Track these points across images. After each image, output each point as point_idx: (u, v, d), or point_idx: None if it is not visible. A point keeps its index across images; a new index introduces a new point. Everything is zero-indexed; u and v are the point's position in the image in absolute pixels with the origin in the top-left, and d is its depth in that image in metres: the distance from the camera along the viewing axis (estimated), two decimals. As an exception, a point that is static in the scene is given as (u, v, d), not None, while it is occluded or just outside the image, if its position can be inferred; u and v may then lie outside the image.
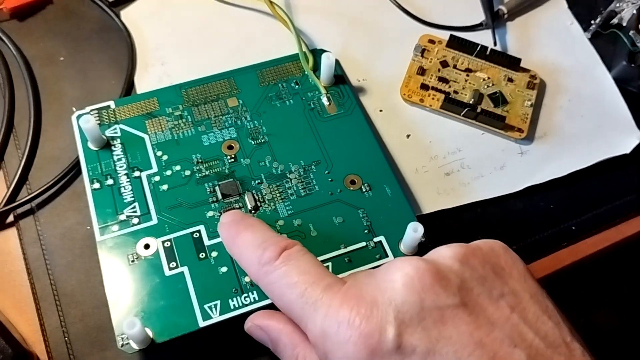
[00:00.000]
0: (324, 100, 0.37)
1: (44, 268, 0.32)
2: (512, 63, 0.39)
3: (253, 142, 0.35)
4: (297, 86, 0.37)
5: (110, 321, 0.28)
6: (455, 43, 0.39)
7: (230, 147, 0.34)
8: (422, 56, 0.39)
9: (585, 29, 0.42)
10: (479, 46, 0.38)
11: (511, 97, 0.38)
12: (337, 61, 0.39)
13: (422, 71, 0.38)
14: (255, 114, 0.36)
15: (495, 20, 0.41)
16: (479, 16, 0.42)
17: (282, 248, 0.26)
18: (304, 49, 0.38)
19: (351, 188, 0.33)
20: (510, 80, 0.38)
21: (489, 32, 0.41)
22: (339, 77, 0.38)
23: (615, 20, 0.41)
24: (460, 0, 0.43)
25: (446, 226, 0.35)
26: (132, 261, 0.30)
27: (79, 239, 0.33)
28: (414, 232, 0.29)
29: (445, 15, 0.42)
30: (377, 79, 0.39)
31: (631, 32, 0.40)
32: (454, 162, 0.37)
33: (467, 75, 0.38)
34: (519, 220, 0.35)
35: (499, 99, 0.37)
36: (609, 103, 0.39)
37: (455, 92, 0.38)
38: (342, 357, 0.22)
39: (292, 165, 0.34)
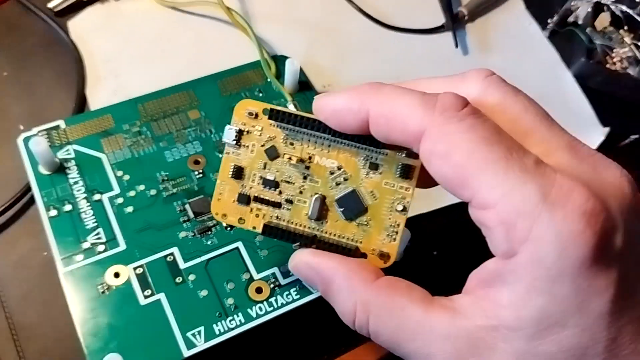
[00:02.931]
0: (291, 107, 0.35)
1: (-3, 302, 0.30)
2: (374, 139, 0.22)
3: (220, 155, 0.33)
4: (260, 94, 0.36)
5: (74, 355, 0.26)
6: (281, 119, 0.24)
7: (196, 162, 0.32)
8: (238, 144, 0.24)
9: (543, 28, 0.42)
10: (315, 122, 0.23)
11: (374, 199, 0.24)
12: (300, 68, 0.38)
13: (239, 173, 0.25)
14: (219, 126, 0.34)
15: (455, 22, 0.41)
16: (442, 19, 0.41)
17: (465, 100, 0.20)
18: (265, 55, 0.37)
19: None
20: (375, 167, 0.24)
21: (450, 34, 0.41)
22: (304, 84, 0.37)
23: (571, 19, 0.42)
24: (422, 3, 0.42)
25: (425, 230, 0.34)
26: (103, 292, 0.28)
27: (35, 267, 0.31)
28: (403, 237, 0.28)
29: (408, 19, 0.41)
30: (343, 84, 0.38)
31: (588, 29, 0.41)
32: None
33: (307, 169, 0.24)
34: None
35: (352, 207, 0.24)
36: (571, 101, 0.40)
37: (289, 201, 0.24)
38: (553, 246, 0.17)
39: (264, 178, 0.32)
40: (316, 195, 0.24)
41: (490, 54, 0.40)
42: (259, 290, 0.28)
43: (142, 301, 0.27)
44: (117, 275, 0.28)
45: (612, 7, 0.41)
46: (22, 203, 0.32)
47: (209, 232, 0.30)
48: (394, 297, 0.21)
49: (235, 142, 0.24)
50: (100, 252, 0.29)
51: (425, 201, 0.35)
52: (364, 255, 0.24)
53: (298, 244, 0.24)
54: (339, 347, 0.30)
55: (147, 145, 0.33)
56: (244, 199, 0.25)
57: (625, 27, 0.41)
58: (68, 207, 0.30)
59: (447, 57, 0.40)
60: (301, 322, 0.29)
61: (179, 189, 0.31)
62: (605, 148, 0.37)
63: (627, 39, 0.41)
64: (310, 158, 0.24)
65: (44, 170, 0.31)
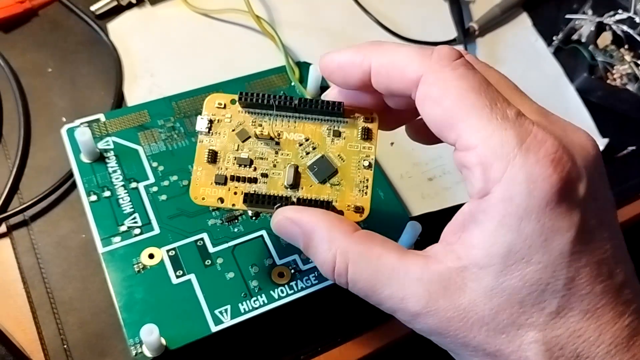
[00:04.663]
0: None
1: (39, 277, 0.32)
2: (333, 109, 0.26)
3: (247, 152, 0.36)
4: (285, 97, 0.39)
5: (109, 327, 0.29)
6: (251, 101, 0.26)
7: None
8: (209, 133, 0.27)
9: (548, 45, 0.45)
10: (280, 99, 0.26)
11: (342, 161, 0.26)
12: (321, 74, 0.41)
13: (213, 157, 0.26)
14: (247, 125, 0.37)
15: (466, 36, 0.44)
16: (454, 32, 0.44)
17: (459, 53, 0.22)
18: (290, 61, 0.40)
19: (344, 195, 0.35)
20: (338, 134, 0.26)
21: (461, 48, 0.43)
22: (325, 88, 0.39)
23: (575, 36, 0.45)
24: (436, 17, 0.45)
25: (433, 227, 0.37)
26: (138, 271, 0.30)
27: (74, 247, 0.33)
28: (413, 230, 0.31)
29: (422, 32, 0.44)
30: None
31: (590, 47, 0.43)
32: (435, 168, 0.39)
33: (277, 144, 0.26)
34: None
35: (323, 169, 0.26)
36: (573, 113, 0.42)
37: (264, 175, 0.26)
38: (523, 186, 0.19)
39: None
40: (289, 164, 0.26)
41: (499, 67, 0.42)
42: (281, 275, 0.31)
43: (174, 280, 0.30)
44: (151, 256, 0.31)
45: (614, 26, 0.44)
46: (64, 188, 0.35)
47: (236, 221, 0.33)
48: (372, 247, 0.22)
49: (207, 130, 0.26)
50: (136, 235, 0.31)
51: (435, 200, 0.37)
52: (340, 212, 0.26)
53: (278, 204, 0.25)
54: (352, 332, 0.33)
55: (180, 139, 0.35)
56: (222, 179, 0.26)
57: (626, 46, 0.44)
58: (107, 194, 0.33)
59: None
60: (317, 307, 0.32)
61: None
62: (604, 158, 0.40)
63: (627, 57, 0.44)
64: (279, 135, 0.26)
65: (85, 159, 0.34)
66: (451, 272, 0.21)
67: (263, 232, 0.32)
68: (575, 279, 0.20)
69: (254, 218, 0.33)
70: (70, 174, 0.35)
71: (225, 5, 0.42)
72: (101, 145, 0.35)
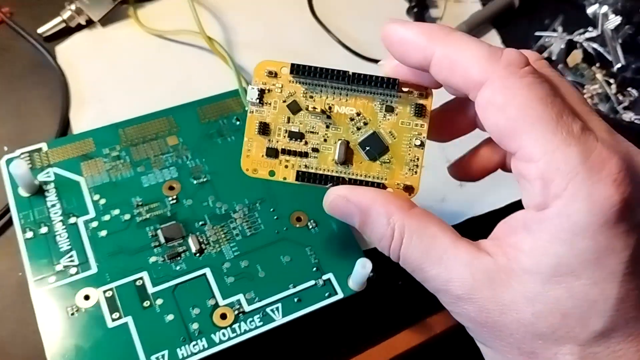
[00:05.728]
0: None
1: (-29, 320, 0.31)
2: (388, 84, 0.25)
3: (195, 182, 0.34)
4: (238, 122, 0.37)
5: None
6: (302, 72, 0.26)
7: (171, 188, 0.34)
8: (261, 103, 0.26)
9: (517, 63, 0.43)
10: (334, 71, 0.25)
11: (393, 138, 0.26)
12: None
13: (264, 129, 0.26)
14: (196, 152, 0.35)
15: (432, 54, 0.42)
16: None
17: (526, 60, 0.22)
18: (244, 84, 0.38)
19: (297, 225, 0.33)
20: (390, 109, 0.26)
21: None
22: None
23: (545, 54, 0.43)
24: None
25: (387, 259, 0.35)
26: (72, 314, 0.29)
27: (10, 286, 0.32)
28: (363, 268, 0.29)
29: (386, 51, 0.42)
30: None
31: (560, 66, 0.42)
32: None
33: (328, 118, 0.26)
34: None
35: (374, 147, 0.26)
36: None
37: (315, 149, 0.26)
38: (583, 204, 0.19)
39: (236, 205, 0.33)
40: (340, 140, 0.26)
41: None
42: (223, 316, 0.29)
43: (110, 324, 0.28)
44: (87, 297, 0.29)
45: (585, 44, 0.43)
46: (1, 223, 0.33)
47: (179, 258, 0.31)
48: (427, 225, 0.23)
49: (258, 100, 0.26)
50: (72, 275, 0.30)
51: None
52: (393, 188, 0.26)
53: (331, 184, 0.26)
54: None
55: (124, 170, 0.34)
56: (273, 152, 0.26)
57: (597, 64, 0.42)
58: (44, 230, 0.31)
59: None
60: (264, 349, 0.30)
61: (152, 215, 0.32)
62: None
63: (599, 76, 0.42)
64: (330, 108, 0.26)
65: (23, 192, 0.32)
66: (499, 267, 0.21)
67: (207, 270, 0.31)
68: (624, 301, 0.20)
69: (197, 255, 0.31)
70: (7, 208, 0.33)
71: (179, 26, 0.40)
72: (41, 177, 0.33)
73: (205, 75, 0.40)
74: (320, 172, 0.26)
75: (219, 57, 0.39)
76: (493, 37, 0.45)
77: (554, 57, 0.43)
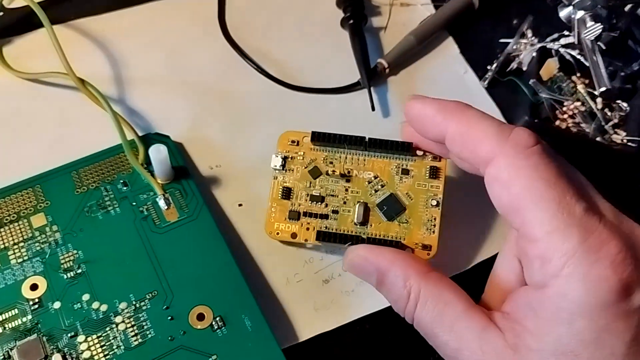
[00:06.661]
0: (161, 204, 0.29)
1: None
2: (402, 148, 0.27)
3: (65, 276, 0.27)
4: (125, 188, 0.29)
5: None
6: (322, 139, 0.28)
7: (34, 287, 0.26)
8: (284, 169, 0.28)
9: (480, 77, 0.35)
10: (352, 137, 0.27)
11: (410, 199, 0.27)
12: (181, 147, 0.32)
13: (287, 193, 0.28)
14: (68, 235, 0.28)
15: (373, 77, 0.34)
16: (357, 74, 0.34)
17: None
18: (131, 136, 0.30)
19: (199, 326, 0.26)
20: (406, 172, 0.28)
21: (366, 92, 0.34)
22: (181, 170, 0.30)
23: (514, 65, 0.35)
24: (335, 55, 0.36)
25: (328, 355, 0.27)
26: None
27: None
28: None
29: (318, 77, 0.35)
30: (236, 164, 0.32)
31: (531, 81, 0.34)
32: (333, 264, 0.30)
33: (347, 181, 0.28)
34: (419, 338, 0.28)
35: (392, 208, 0.27)
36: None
37: (335, 211, 0.27)
38: (579, 284, 0.20)
39: (118, 304, 0.26)
40: (359, 202, 0.27)
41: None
42: None
43: None
44: None
45: (561, 51, 0.34)
46: None
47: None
48: (442, 290, 0.23)
49: (282, 167, 0.28)
50: None
51: (332, 311, 0.28)
52: (412, 250, 0.27)
53: (350, 243, 0.26)
54: None
55: (-24, 266, 0.26)
56: (295, 215, 0.28)
57: (578, 74, 0.34)
58: None
59: (364, 117, 0.34)
60: None
61: (6, 327, 0.25)
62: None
63: (580, 87, 0.34)
64: (348, 172, 0.28)
65: None
66: (507, 344, 0.21)
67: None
68: None
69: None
70: None
71: (49, 67, 0.32)
72: None
73: (90, 126, 0.32)
74: (340, 232, 0.27)
75: (91, 99, 0.31)
76: (450, 45, 0.37)
77: (524, 68, 0.35)
